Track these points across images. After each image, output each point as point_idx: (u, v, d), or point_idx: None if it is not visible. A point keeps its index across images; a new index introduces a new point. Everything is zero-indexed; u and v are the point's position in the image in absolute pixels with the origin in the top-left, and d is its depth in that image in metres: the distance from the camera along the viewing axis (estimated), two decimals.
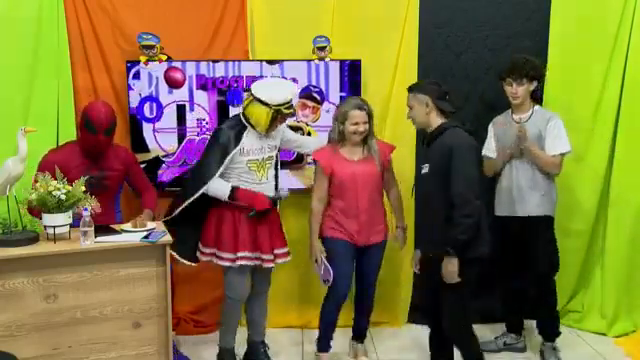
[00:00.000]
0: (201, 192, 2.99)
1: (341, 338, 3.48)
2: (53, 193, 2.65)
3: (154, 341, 2.89)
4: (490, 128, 3.50)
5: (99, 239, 2.76)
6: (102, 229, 2.88)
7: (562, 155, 3.28)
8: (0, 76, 3.39)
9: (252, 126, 3.04)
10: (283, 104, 2.99)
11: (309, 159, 3.37)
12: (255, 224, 3.09)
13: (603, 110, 3.74)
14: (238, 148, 3.01)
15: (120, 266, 2.79)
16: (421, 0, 3.70)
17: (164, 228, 2.99)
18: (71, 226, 2.78)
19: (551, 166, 3.29)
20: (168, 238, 2.84)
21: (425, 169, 2.87)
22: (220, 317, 3.29)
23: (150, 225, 2.98)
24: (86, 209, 2.71)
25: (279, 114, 3.00)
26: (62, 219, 2.70)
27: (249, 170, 3.06)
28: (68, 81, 3.54)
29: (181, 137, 3.68)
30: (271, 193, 3.16)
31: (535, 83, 3.32)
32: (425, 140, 2.96)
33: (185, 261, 3.13)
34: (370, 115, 3.14)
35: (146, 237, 2.82)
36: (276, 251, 3.16)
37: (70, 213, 2.73)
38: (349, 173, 3.12)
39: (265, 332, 3.38)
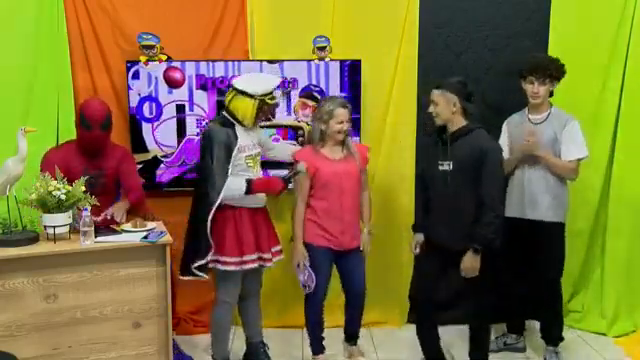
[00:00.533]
0: (220, 200, 2.93)
1: (338, 338, 3.48)
2: (53, 193, 2.65)
3: (154, 341, 2.89)
4: (504, 127, 3.46)
5: (99, 239, 2.76)
6: (102, 229, 2.89)
7: (579, 160, 3.24)
8: (0, 76, 3.38)
9: (238, 122, 3.03)
10: (267, 94, 3.00)
11: None
12: (255, 224, 3.08)
13: (603, 110, 3.75)
14: (238, 145, 2.99)
15: (120, 266, 2.79)
16: (421, 0, 3.71)
17: (164, 228, 2.99)
18: (72, 227, 2.78)
19: (567, 171, 3.25)
20: (168, 238, 2.84)
21: (446, 166, 2.93)
22: (211, 326, 3.24)
23: (150, 225, 2.98)
24: (86, 209, 2.71)
25: (264, 104, 3.01)
26: (62, 219, 2.70)
27: (247, 167, 3.05)
28: (68, 81, 3.53)
29: (180, 124, 3.66)
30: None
31: (555, 83, 3.27)
32: (445, 138, 2.97)
33: (204, 275, 3.03)
34: (350, 113, 3.17)
35: (146, 237, 2.82)
36: (273, 249, 3.17)
37: (70, 213, 2.74)
38: (332, 172, 3.12)
39: (262, 331, 3.37)
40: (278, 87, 3.24)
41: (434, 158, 3.01)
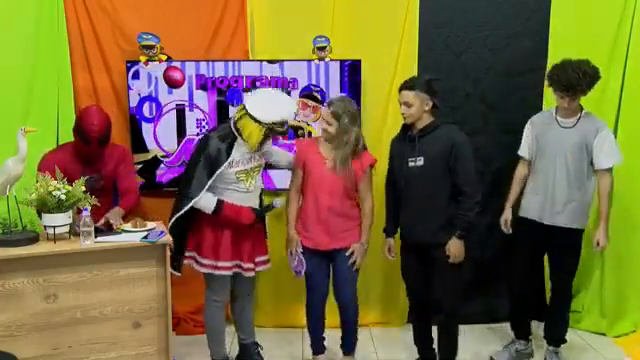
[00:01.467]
0: (189, 207, 2.94)
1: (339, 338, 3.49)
2: (53, 193, 2.65)
3: (154, 341, 2.89)
4: (528, 127, 3.37)
5: (99, 239, 2.76)
6: (102, 229, 2.89)
7: (609, 169, 3.19)
8: (0, 76, 3.38)
9: (243, 138, 2.97)
10: (277, 123, 2.94)
11: None
12: (237, 233, 3.04)
13: (603, 110, 3.73)
14: (228, 162, 2.94)
15: (120, 266, 2.79)
16: (421, 0, 3.70)
17: (164, 228, 2.99)
18: (73, 230, 2.78)
19: (608, 191, 3.20)
20: (168, 238, 2.84)
21: (419, 162, 2.96)
22: (205, 326, 3.25)
23: (150, 225, 2.98)
24: (86, 209, 2.71)
25: (271, 132, 2.96)
26: (62, 219, 2.70)
27: (237, 180, 3.01)
28: (68, 81, 3.54)
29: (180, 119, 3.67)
30: (257, 200, 3.14)
31: (588, 91, 3.14)
32: (412, 134, 3.00)
33: (176, 272, 3.07)
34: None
35: (146, 237, 2.82)
36: (257, 259, 3.14)
37: (70, 213, 2.73)
38: (317, 167, 3.09)
39: (255, 332, 3.37)
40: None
41: (402, 155, 3.03)
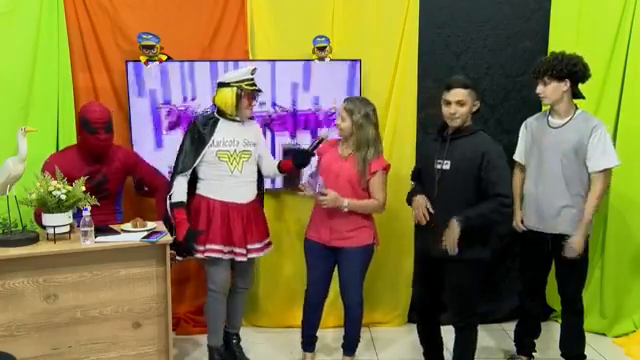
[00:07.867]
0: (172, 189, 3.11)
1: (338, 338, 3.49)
2: (53, 193, 2.65)
3: (154, 341, 2.89)
4: (522, 130, 3.25)
5: (99, 239, 2.76)
6: (102, 229, 2.89)
7: (606, 170, 2.98)
8: (0, 76, 3.38)
9: (224, 115, 3.11)
10: (243, 80, 3.07)
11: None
12: (229, 219, 3.09)
13: (603, 110, 3.74)
14: (212, 140, 3.07)
15: (120, 266, 2.79)
16: (421, 0, 3.71)
17: (164, 228, 2.99)
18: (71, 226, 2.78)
19: (601, 192, 2.97)
20: (168, 238, 2.84)
21: (445, 165, 2.82)
22: (205, 314, 3.31)
23: (150, 225, 2.98)
24: (86, 209, 2.71)
25: (242, 91, 3.07)
26: (62, 219, 2.70)
27: (219, 160, 3.07)
28: (68, 81, 3.53)
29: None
30: (247, 187, 3.15)
31: (568, 82, 2.97)
32: (445, 135, 2.87)
33: (179, 258, 3.10)
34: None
35: (146, 237, 2.82)
36: (249, 246, 3.14)
37: (70, 213, 2.74)
38: (327, 164, 3.12)
39: (240, 326, 3.40)
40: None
41: (432, 156, 2.88)
